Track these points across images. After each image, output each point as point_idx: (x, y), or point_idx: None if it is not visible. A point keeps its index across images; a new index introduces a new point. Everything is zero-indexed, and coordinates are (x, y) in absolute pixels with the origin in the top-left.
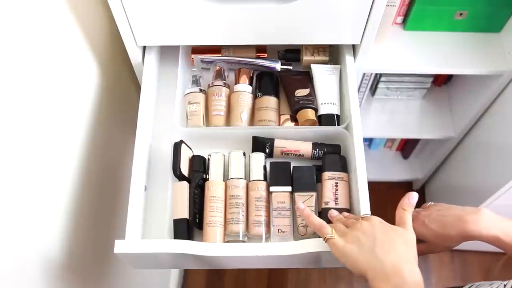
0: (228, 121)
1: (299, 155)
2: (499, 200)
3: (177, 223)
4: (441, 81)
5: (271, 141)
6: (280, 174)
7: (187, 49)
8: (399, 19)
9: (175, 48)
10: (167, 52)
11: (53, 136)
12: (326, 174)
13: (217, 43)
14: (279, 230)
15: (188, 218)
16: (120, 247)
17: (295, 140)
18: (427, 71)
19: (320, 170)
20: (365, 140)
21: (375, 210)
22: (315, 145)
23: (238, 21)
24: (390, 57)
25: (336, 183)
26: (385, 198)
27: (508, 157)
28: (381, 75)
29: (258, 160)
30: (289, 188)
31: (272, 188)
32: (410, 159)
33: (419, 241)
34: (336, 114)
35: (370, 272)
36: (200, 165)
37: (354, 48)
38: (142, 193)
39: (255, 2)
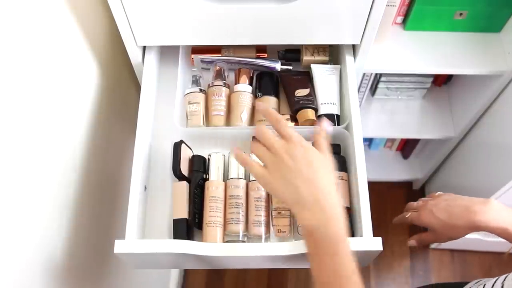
0: (228, 121)
1: None
2: (499, 200)
3: (177, 223)
4: (441, 81)
5: None
6: None
7: (187, 49)
8: (399, 19)
9: (175, 48)
10: (167, 52)
11: (53, 136)
12: None
13: (217, 43)
14: (279, 230)
15: (187, 218)
16: (120, 247)
17: None
18: (427, 71)
19: None
20: (365, 140)
21: (375, 210)
22: None
23: (238, 21)
24: (390, 57)
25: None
26: (385, 198)
27: (508, 157)
28: (381, 75)
29: (258, 160)
30: None
31: None
32: (410, 159)
33: (425, 230)
34: (336, 114)
35: (294, 206)
36: (200, 165)
37: (354, 48)
38: (142, 193)
39: (255, 2)
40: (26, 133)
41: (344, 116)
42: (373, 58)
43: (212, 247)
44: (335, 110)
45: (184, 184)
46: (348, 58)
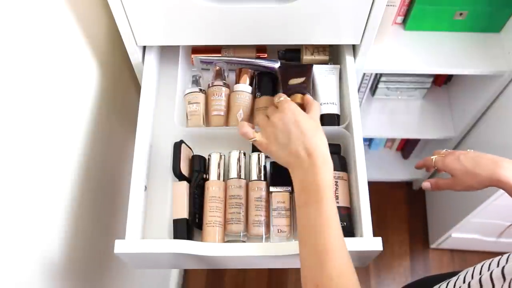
0: (227, 121)
1: None
2: (499, 200)
3: (177, 223)
4: (441, 81)
5: None
6: (280, 174)
7: (187, 49)
8: (399, 19)
9: (175, 48)
10: (167, 52)
11: (53, 136)
12: None
13: (217, 43)
14: (279, 230)
15: (187, 218)
16: (120, 247)
17: None
18: (427, 71)
19: None
20: (365, 140)
21: (375, 210)
22: None
23: (238, 21)
24: (390, 57)
25: (336, 182)
26: (385, 198)
27: (508, 157)
28: (381, 75)
29: (258, 160)
30: (289, 188)
31: (272, 188)
32: (410, 159)
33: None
34: (336, 114)
35: (288, 165)
36: (200, 165)
37: (354, 48)
38: (142, 193)
39: (255, 2)
40: (26, 133)
41: (344, 116)
42: (373, 58)
43: (212, 247)
44: (335, 110)
45: (184, 184)
46: (348, 58)
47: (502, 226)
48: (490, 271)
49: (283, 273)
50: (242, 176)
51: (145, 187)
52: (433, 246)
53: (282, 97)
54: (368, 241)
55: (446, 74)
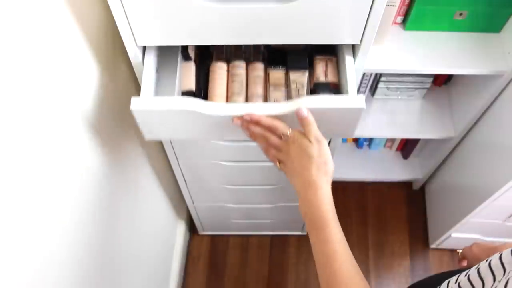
0: None
1: None
2: (499, 200)
3: (185, 94)
4: (441, 81)
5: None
6: (277, 55)
7: None
8: (399, 19)
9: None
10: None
11: (53, 136)
12: (317, 57)
13: (217, 43)
14: (275, 101)
15: (194, 90)
16: (136, 104)
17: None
18: (427, 71)
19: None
20: (365, 140)
21: (375, 210)
22: None
23: (238, 21)
24: (390, 57)
25: (326, 63)
26: (385, 198)
27: (508, 157)
28: (381, 75)
29: (258, 45)
30: (284, 68)
31: (269, 69)
32: (410, 159)
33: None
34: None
35: (297, 192)
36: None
37: (354, 48)
38: (154, 61)
39: (255, 2)
40: (26, 133)
41: None
42: (373, 58)
43: (218, 106)
44: None
45: (191, 64)
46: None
47: (502, 226)
48: (488, 262)
49: (283, 273)
50: (243, 59)
51: (156, 69)
52: (433, 246)
53: (288, 131)
54: (352, 98)
55: (446, 74)
